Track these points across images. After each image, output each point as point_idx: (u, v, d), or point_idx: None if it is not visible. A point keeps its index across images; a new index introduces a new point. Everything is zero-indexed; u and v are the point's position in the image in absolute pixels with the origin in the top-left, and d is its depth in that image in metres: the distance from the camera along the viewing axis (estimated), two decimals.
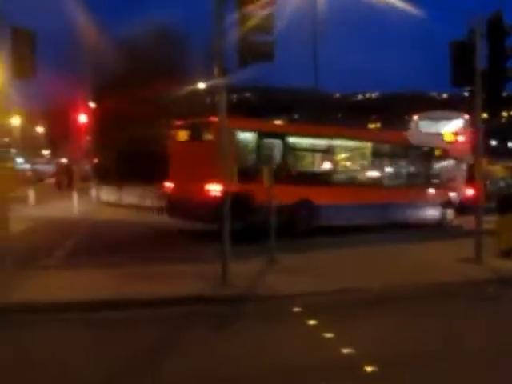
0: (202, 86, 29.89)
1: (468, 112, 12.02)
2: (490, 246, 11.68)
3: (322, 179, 16.15)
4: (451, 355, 5.49)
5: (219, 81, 9.17)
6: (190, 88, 29.34)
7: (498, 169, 33.25)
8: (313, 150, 16.99)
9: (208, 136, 14.63)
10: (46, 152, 67.89)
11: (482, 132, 12.02)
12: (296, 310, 7.64)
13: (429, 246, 14.13)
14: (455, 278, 9.55)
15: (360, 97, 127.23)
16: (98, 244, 12.81)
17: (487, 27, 11.63)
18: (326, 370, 5.33)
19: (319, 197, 15.28)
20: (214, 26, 9.10)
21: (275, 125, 19.84)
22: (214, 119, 12.01)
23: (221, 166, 9.11)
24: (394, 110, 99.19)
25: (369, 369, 5.25)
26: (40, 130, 59.33)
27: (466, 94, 12.70)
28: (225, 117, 9.18)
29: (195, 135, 15.52)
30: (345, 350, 5.79)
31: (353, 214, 15.72)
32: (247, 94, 78.22)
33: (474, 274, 10.11)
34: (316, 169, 16.88)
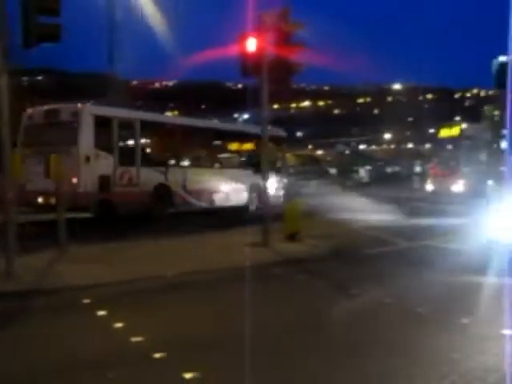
0: None
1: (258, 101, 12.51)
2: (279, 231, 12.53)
3: None
4: (241, 336, 5.68)
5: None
6: None
7: (288, 157, 35.08)
8: None
9: None
10: None
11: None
12: (85, 301, 7.42)
13: (224, 232, 14.66)
14: (244, 262, 9.95)
15: (157, 84, 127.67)
16: None
17: (275, 22, 12.19)
18: (114, 360, 5.25)
19: None
20: None
21: None
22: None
23: None
24: (191, 98, 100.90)
25: (157, 355, 5.26)
26: None
27: None
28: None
29: None
30: (134, 339, 5.74)
31: None
32: (39, 78, 74.37)
33: (261, 257, 10.65)
34: None
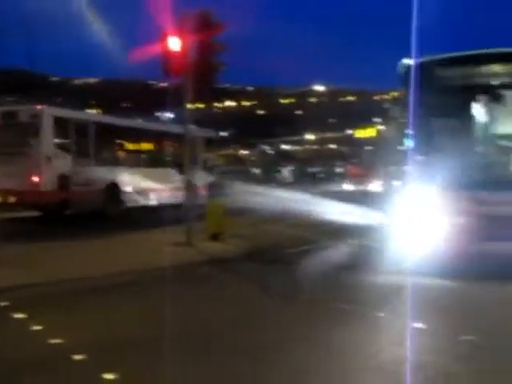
0: None
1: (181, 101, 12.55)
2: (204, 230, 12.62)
3: None
4: (164, 336, 5.69)
5: None
6: None
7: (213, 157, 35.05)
8: None
9: None
10: None
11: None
12: (3, 304, 7.23)
13: (155, 231, 14.62)
14: (168, 262, 9.94)
15: (78, 81, 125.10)
16: None
17: (197, 22, 12.25)
18: (32, 364, 5.14)
19: None
20: None
21: None
22: None
23: None
24: (113, 96, 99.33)
25: (77, 357, 5.19)
26: None
27: None
28: None
29: None
30: (53, 341, 5.64)
31: None
32: None
33: (184, 257, 10.66)
34: None
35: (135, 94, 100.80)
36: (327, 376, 4.91)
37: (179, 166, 17.25)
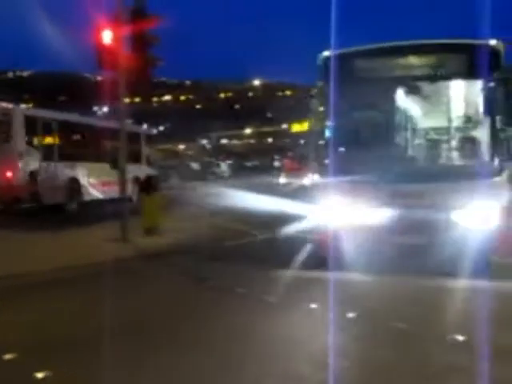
0: None
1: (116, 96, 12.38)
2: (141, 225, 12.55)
3: None
4: (96, 334, 5.64)
5: None
6: None
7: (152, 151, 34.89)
8: None
9: None
10: None
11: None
12: None
13: (93, 227, 14.49)
14: (103, 257, 9.85)
15: (11, 74, 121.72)
16: None
17: (131, 15, 12.12)
18: None
19: None
20: None
21: None
22: None
23: None
24: (48, 89, 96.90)
25: (8, 356, 5.11)
26: None
27: None
28: None
29: None
30: None
31: None
32: None
33: (118, 253, 10.56)
34: None
35: (70, 88, 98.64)
36: (256, 365, 4.98)
37: (113, 161, 17.22)
